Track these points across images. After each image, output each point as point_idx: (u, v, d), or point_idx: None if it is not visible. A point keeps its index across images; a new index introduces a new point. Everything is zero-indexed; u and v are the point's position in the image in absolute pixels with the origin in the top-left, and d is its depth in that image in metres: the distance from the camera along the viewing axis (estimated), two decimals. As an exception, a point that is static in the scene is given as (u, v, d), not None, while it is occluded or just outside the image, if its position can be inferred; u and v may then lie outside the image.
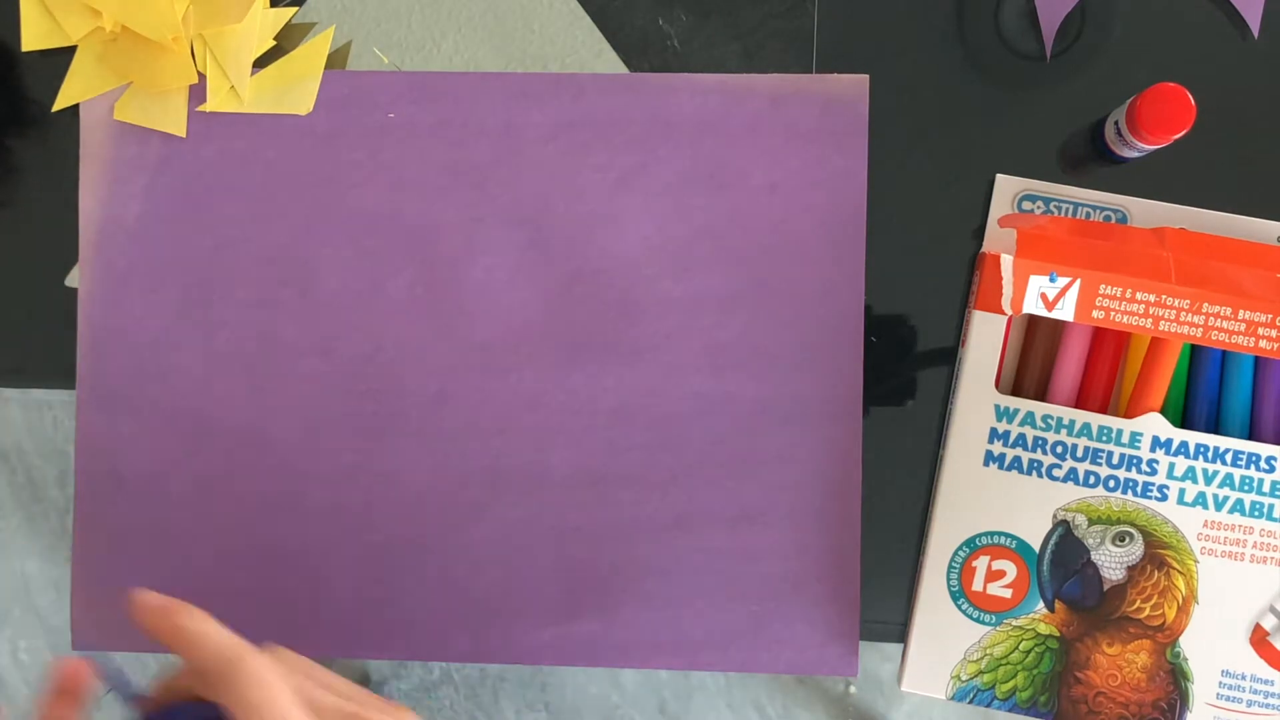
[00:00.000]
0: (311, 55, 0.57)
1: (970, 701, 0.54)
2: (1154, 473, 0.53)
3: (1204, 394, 0.54)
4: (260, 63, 0.57)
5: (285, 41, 0.58)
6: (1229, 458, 0.53)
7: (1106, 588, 0.54)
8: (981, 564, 0.54)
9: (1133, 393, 0.54)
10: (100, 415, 0.58)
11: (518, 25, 0.58)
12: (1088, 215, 0.56)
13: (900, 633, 0.57)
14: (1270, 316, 0.51)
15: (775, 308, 0.56)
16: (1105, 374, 0.54)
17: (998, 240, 0.56)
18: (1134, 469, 0.53)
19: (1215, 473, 0.53)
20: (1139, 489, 0.53)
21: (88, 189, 0.58)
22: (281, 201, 0.57)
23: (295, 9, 0.58)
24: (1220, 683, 0.53)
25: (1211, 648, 0.53)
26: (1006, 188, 0.56)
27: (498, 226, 0.57)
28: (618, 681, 1.26)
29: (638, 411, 0.57)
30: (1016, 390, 0.56)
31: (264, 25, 0.57)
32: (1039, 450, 0.54)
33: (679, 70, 0.57)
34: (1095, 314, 0.52)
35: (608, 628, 0.57)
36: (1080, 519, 0.54)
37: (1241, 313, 0.51)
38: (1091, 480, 0.53)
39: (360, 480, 0.58)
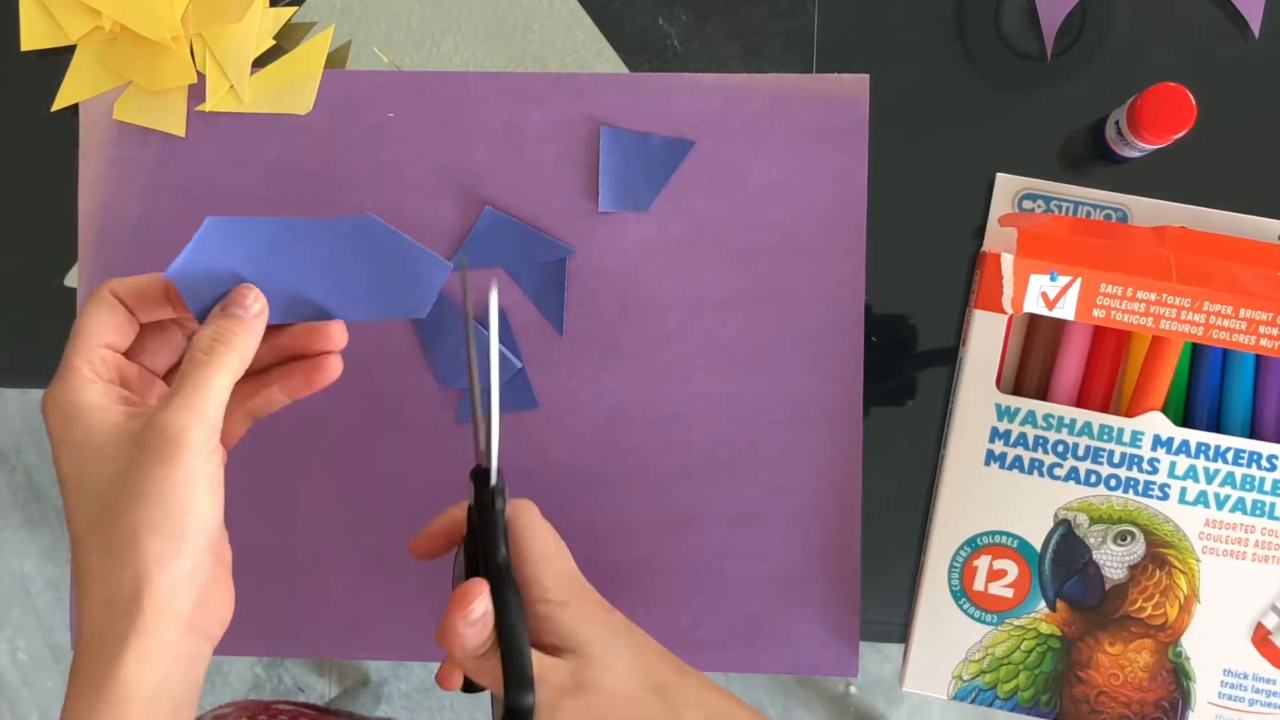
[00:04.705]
0: (311, 55, 0.57)
1: (972, 701, 0.54)
2: (1155, 471, 0.53)
3: (1205, 393, 0.54)
4: (260, 62, 0.57)
5: (285, 41, 0.58)
6: (1230, 456, 0.53)
7: (1108, 587, 0.54)
8: (983, 563, 0.54)
9: (1134, 391, 0.54)
10: (100, 415, 0.58)
11: (518, 25, 0.58)
12: (1088, 214, 0.56)
13: (901, 633, 0.57)
14: (1271, 315, 0.51)
15: (775, 308, 0.56)
16: (1106, 373, 0.54)
17: (998, 239, 0.56)
18: (1135, 468, 0.53)
19: (1217, 471, 0.53)
20: (1140, 488, 0.53)
21: (87, 189, 0.58)
22: (281, 201, 0.57)
23: (295, 9, 0.58)
24: (1222, 682, 0.53)
25: (1213, 647, 0.53)
26: (1007, 187, 0.56)
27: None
28: (618, 682, 1.26)
29: (638, 411, 0.57)
30: (1017, 389, 0.55)
31: (263, 25, 0.57)
32: (1040, 449, 0.54)
33: (679, 70, 0.57)
34: (1096, 313, 0.52)
35: (608, 628, 0.57)
36: (1081, 518, 0.54)
37: (1243, 311, 0.51)
38: (1093, 479, 0.53)
39: (360, 480, 0.57)
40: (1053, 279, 0.52)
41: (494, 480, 0.41)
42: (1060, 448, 0.53)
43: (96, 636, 0.36)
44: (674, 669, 0.43)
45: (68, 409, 0.38)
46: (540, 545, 0.42)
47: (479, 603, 0.39)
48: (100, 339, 0.39)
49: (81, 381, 0.38)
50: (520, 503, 0.44)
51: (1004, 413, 0.54)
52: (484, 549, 0.41)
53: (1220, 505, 0.53)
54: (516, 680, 0.39)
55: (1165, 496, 0.53)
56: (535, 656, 0.40)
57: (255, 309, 0.40)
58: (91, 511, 0.37)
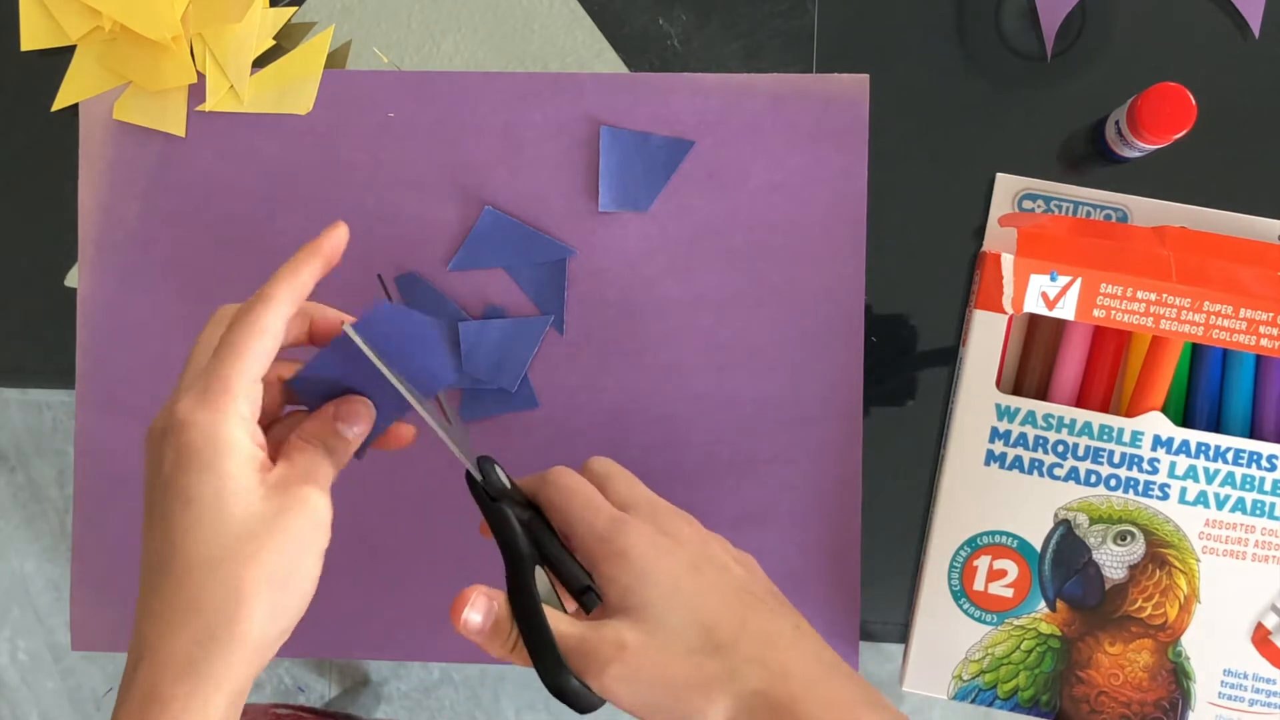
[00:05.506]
0: (311, 55, 0.57)
1: (972, 701, 0.54)
2: (1155, 471, 0.53)
3: (1205, 393, 0.54)
4: (260, 62, 0.57)
5: (285, 41, 0.58)
6: (1230, 456, 0.53)
7: (1108, 587, 0.54)
8: (983, 563, 0.54)
9: (1134, 391, 0.54)
10: (100, 415, 0.58)
11: (518, 25, 0.58)
12: (1088, 214, 0.56)
13: (901, 633, 0.57)
14: (1271, 315, 0.51)
15: (775, 308, 0.56)
16: (1106, 373, 0.54)
17: (998, 239, 0.56)
18: (1135, 468, 0.53)
19: (1217, 471, 0.53)
20: (1140, 488, 0.53)
21: (88, 189, 0.58)
22: (281, 201, 0.57)
23: (295, 9, 0.58)
24: (1222, 681, 0.53)
25: (1213, 647, 0.53)
26: (1007, 187, 0.56)
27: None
28: (618, 682, 1.26)
29: (638, 411, 0.57)
30: (1017, 389, 0.55)
31: (264, 25, 0.57)
32: (1040, 449, 0.54)
33: (679, 70, 0.57)
34: (1096, 313, 0.52)
35: (608, 628, 0.57)
36: (1081, 518, 0.54)
37: (1242, 311, 0.51)
38: (1093, 479, 0.53)
39: (360, 481, 0.57)
40: (1053, 279, 0.52)
41: (479, 479, 0.42)
42: (1060, 448, 0.53)
43: (181, 664, 0.36)
44: (738, 619, 0.40)
45: (223, 439, 0.37)
46: (581, 507, 0.42)
47: (468, 612, 0.40)
48: (259, 371, 0.38)
49: (240, 420, 0.37)
50: (552, 473, 0.43)
51: (1004, 413, 0.54)
52: (500, 544, 0.42)
53: (1220, 505, 0.53)
54: (546, 670, 0.40)
55: (1165, 496, 0.53)
56: (579, 628, 0.40)
57: (355, 431, 0.41)
58: (221, 542, 0.36)
